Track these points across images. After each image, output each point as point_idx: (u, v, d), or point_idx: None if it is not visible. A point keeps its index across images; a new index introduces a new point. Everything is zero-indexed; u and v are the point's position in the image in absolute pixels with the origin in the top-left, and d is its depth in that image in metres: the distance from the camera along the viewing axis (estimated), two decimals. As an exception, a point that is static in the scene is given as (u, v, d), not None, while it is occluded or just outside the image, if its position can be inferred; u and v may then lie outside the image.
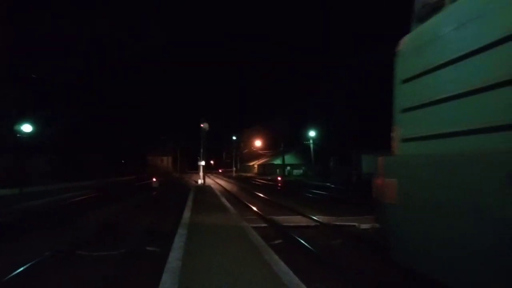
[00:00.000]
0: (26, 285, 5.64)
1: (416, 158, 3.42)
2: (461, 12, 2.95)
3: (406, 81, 3.63)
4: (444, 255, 2.87)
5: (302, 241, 8.13)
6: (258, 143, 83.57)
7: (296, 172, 60.97)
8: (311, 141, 51.93)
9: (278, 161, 64.55)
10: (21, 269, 6.17)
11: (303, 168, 61.23)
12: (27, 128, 24.58)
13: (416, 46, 3.57)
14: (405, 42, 3.79)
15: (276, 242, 8.48)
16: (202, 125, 31.07)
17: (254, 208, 14.58)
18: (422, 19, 3.60)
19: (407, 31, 3.96)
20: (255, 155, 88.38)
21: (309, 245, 7.72)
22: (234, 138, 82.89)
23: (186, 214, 11.08)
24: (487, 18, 2.63)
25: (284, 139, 57.55)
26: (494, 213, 2.39)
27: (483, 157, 2.56)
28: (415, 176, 3.34)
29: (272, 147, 76.83)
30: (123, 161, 66.09)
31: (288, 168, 61.78)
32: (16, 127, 24.58)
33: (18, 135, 24.79)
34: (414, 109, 3.47)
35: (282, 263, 5.46)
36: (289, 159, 63.77)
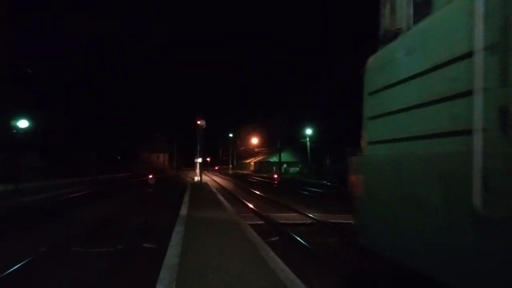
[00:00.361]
0: (22, 282, 5.62)
1: (376, 157, 4.19)
2: (411, 41, 3.62)
3: (371, 94, 4.33)
4: (396, 236, 3.62)
5: (298, 238, 8.17)
6: (254, 140, 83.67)
7: (292, 170, 61.13)
8: (307, 139, 52.04)
9: (274, 159, 64.69)
10: (17, 266, 6.14)
11: (300, 166, 61.37)
12: (23, 124, 24.42)
13: (378, 66, 4.25)
14: (371, 62, 4.45)
15: (273, 239, 8.52)
16: (198, 122, 31.03)
17: (251, 205, 14.61)
18: (384, 43, 4.23)
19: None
20: (252, 153, 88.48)
21: (306, 242, 7.76)
22: (230, 135, 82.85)
23: (183, 211, 11.09)
24: (428, 47, 3.30)
25: (281, 137, 57.55)
26: (429, 202, 3.08)
27: (421, 157, 3.27)
28: (375, 172, 4.12)
29: (269, 145, 76.95)
30: (118, 158, 65.87)
31: (285, 165, 61.92)
32: (12, 123, 24.41)
33: (14, 131, 24.63)
34: (377, 117, 4.17)
35: (278, 260, 5.49)
36: (285, 156, 63.88)
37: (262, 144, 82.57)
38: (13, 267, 6.03)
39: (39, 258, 6.77)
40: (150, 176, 30.84)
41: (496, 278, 2.44)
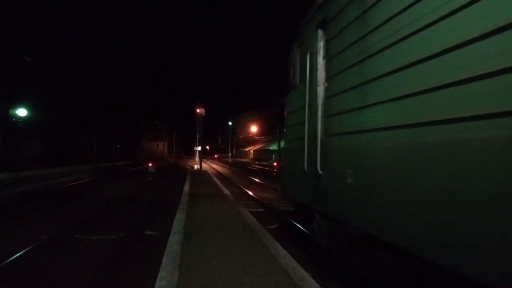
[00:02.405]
0: (24, 270, 5.66)
1: (287, 148, 7.33)
2: (298, 91, 6.20)
3: (286, 114, 7.15)
4: (295, 191, 6.51)
5: (298, 225, 8.24)
6: (254, 128, 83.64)
7: (291, 157, 61.03)
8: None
9: (274, 147, 64.69)
10: (19, 254, 6.21)
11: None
12: (22, 112, 24.34)
13: (287, 100, 7.17)
14: (286, 97, 7.23)
15: (273, 226, 8.61)
16: (198, 110, 30.95)
17: (250, 193, 14.70)
18: (291, 88, 6.76)
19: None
20: (251, 141, 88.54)
21: (305, 229, 7.84)
22: (230, 123, 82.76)
23: (184, 199, 11.16)
24: (303, 97, 5.71)
25: (280, 125, 57.48)
26: (304, 172, 5.51)
27: (299, 149, 5.83)
28: (286, 157, 7.39)
29: (268, 133, 76.87)
30: (118, 146, 65.86)
31: (284, 153, 61.93)
32: (11, 111, 24.32)
33: (13, 119, 24.56)
34: (289, 127, 6.95)
35: (280, 247, 5.57)
36: (284, 145, 63.75)
37: (262, 132, 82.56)
38: (15, 255, 6.11)
39: (41, 246, 6.84)
40: (150, 164, 30.85)
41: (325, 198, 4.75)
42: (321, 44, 5.22)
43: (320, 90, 5.07)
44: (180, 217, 8.04)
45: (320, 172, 4.86)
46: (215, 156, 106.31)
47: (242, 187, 17.23)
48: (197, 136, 32.12)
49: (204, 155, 53.89)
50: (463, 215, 2.38)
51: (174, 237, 6.18)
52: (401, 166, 3.09)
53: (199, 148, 32.25)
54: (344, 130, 4.22)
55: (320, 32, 5.24)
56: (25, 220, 9.67)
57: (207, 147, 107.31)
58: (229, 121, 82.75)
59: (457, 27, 2.48)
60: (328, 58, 4.85)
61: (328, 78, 4.80)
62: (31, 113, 26.26)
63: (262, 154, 74.78)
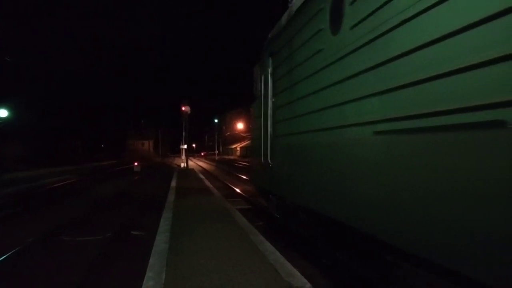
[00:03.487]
0: (8, 273, 5.52)
1: (251, 146, 10.17)
2: (255, 105, 8.29)
3: (251, 119, 9.12)
4: (258, 178, 8.35)
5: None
6: (240, 125, 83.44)
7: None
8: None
9: (260, 144, 64.58)
10: (2, 257, 6.09)
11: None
12: (2, 113, 23.76)
13: (252, 108, 8.86)
14: (252, 105, 8.84)
15: (261, 223, 8.62)
16: (183, 108, 30.73)
17: (238, 190, 14.69)
18: (255, 99, 8.30)
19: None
20: (238, 138, 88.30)
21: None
22: (216, 121, 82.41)
23: (170, 198, 11.08)
24: (260, 109, 7.49)
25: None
26: (263, 162, 7.22)
27: (258, 145, 7.72)
28: (250, 153, 11.75)
29: (254, 130, 76.68)
30: (103, 146, 64.95)
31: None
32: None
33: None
34: (253, 129, 9.07)
35: (267, 243, 5.58)
36: (271, 141, 63.82)
37: (248, 129, 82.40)
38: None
39: (26, 248, 6.71)
40: (135, 164, 30.51)
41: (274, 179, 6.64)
42: (270, 69, 6.95)
43: (271, 103, 6.84)
44: (167, 216, 7.98)
45: (270, 163, 6.79)
46: (202, 154, 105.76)
47: (228, 184, 17.22)
48: (183, 134, 31.91)
49: (190, 153, 53.62)
50: (338, 183, 4.04)
51: (161, 236, 6.13)
52: (317, 158, 4.68)
53: (185, 146, 32.05)
54: (284, 133, 6.05)
55: (270, 60, 6.97)
56: (8, 222, 9.46)
57: (194, 145, 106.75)
58: (215, 118, 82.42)
59: (338, 72, 4.02)
60: (274, 80, 6.77)
61: (274, 95, 6.72)
62: (13, 114, 25.62)
63: (249, 151, 74.68)
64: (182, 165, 31.10)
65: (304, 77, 5.02)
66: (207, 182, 16.57)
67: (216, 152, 78.62)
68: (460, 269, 2.27)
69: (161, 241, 5.76)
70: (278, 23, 6.77)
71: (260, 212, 9.79)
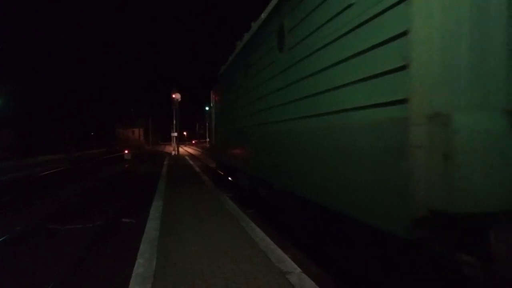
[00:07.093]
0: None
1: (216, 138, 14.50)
2: (210, 113, 16.41)
3: (208, 119, 28.24)
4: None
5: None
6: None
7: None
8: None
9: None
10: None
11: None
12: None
13: (208, 112, 25.72)
14: (208, 110, 26.14)
15: (252, 210, 8.65)
16: (173, 96, 30.46)
17: (230, 178, 14.68)
18: (210, 108, 16.95)
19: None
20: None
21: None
22: (207, 109, 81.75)
23: (161, 185, 11.05)
24: (210, 114, 16.25)
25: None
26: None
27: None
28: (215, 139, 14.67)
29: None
30: (92, 134, 64.19)
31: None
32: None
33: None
34: (208, 129, 29.64)
35: (258, 229, 5.61)
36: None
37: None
38: None
39: (14, 236, 6.64)
40: (126, 152, 30.24)
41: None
42: (213, 99, 13.36)
43: (214, 118, 13.73)
44: (157, 203, 7.96)
45: (214, 143, 14.48)
46: (193, 142, 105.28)
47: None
48: (174, 121, 31.69)
49: (181, 141, 53.26)
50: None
51: (152, 223, 6.12)
52: (236, 140, 8.91)
53: (175, 134, 31.90)
54: (218, 140, 12.80)
55: (217, 85, 12.61)
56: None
57: (185, 133, 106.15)
58: (206, 106, 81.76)
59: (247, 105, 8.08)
60: (214, 107, 13.75)
61: (214, 116, 13.63)
62: (1, 102, 25.09)
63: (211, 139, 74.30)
64: (173, 152, 31.12)
65: (228, 113, 10.05)
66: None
67: (208, 140, 78.22)
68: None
69: (151, 228, 5.75)
70: (223, 66, 11.12)
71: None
